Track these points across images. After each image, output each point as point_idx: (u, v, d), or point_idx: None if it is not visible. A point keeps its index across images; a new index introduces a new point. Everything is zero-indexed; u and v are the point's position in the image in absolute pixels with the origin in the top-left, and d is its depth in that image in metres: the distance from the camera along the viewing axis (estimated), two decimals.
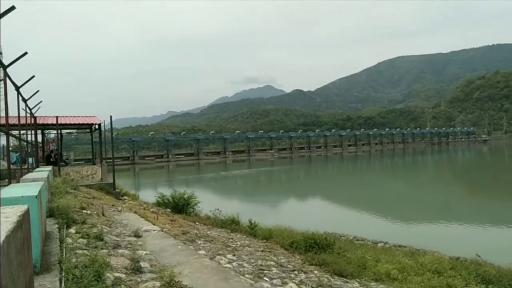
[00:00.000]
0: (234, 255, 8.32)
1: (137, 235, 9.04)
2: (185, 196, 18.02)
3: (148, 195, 26.32)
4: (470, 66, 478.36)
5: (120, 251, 7.13)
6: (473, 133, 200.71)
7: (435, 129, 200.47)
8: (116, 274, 5.45)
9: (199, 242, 9.33)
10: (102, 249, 6.64)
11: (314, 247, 10.05)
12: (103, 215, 11.38)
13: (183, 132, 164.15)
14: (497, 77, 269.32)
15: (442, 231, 21.34)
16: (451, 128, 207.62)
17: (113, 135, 26.39)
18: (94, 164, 28.94)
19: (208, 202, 21.80)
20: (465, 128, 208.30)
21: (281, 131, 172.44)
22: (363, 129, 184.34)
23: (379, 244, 15.28)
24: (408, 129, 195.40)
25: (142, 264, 6.20)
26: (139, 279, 5.53)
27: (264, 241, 11.76)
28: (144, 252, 7.33)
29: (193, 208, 17.74)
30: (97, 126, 27.08)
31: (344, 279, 7.78)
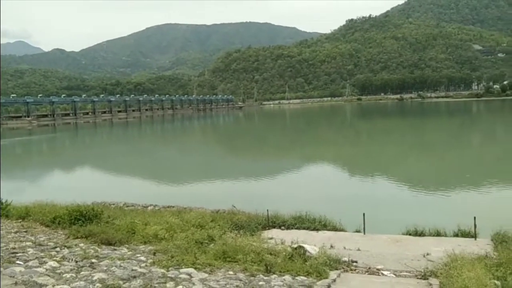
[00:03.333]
0: None
1: None
2: None
3: None
4: (229, 39, 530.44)
5: None
6: (232, 100, 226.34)
7: (201, 96, 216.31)
8: None
9: None
10: None
11: (80, 219, 9.48)
12: None
13: None
14: (249, 52, 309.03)
15: (206, 188, 23.64)
16: (214, 96, 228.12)
17: None
18: None
19: None
20: (225, 96, 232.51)
21: (40, 95, 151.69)
22: (133, 95, 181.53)
23: (149, 208, 15.69)
24: (177, 95, 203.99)
25: None
26: None
27: (20, 220, 10.36)
28: None
29: None
30: None
31: (113, 247, 7.70)
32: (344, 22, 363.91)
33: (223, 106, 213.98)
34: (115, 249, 7.48)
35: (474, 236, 10.74)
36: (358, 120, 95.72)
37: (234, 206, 13.76)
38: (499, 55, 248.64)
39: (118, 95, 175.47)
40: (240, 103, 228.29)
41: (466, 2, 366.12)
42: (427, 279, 7.39)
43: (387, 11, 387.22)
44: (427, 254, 9.22)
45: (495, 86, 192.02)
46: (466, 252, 8.31)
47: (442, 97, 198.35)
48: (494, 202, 17.40)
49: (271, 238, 10.10)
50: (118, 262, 6.32)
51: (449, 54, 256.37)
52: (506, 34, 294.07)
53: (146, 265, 6.38)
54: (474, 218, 10.66)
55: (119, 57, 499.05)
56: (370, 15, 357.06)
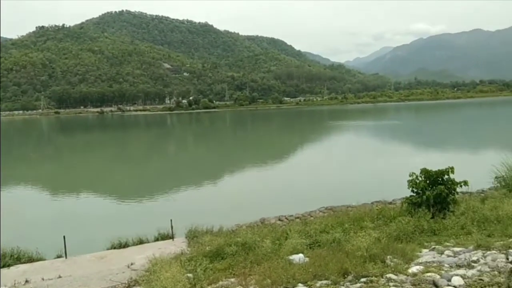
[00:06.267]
0: None
1: None
2: None
3: None
4: None
5: None
6: None
7: None
8: None
9: None
10: None
11: None
12: None
13: None
14: None
15: None
16: None
17: None
18: None
19: None
20: None
21: None
22: None
23: None
24: None
25: None
26: None
27: None
28: None
29: None
30: None
31: None
32: (34, 29, 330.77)
33: None
34: None
35: (172, 237, 11.91)
36: (58, 135, 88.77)
37: None
38: (185, 74, 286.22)
39: None
40: None
41: (155, 24, 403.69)
42: None
43: (82, 23, 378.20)
44: (131, 264, 9.52)
45: (183, 101, 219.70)
46: (165, 253, 9.10)
47: (141, 110, 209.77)
48: (186, 203, 19.86)
49: None
50: None
51: (144, 70, 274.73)
52: (188, 56, 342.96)
53: None
54: (171, 220, 11.82)
55: None
56: (64, 24, 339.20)
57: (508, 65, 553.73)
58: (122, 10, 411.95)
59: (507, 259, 6.11)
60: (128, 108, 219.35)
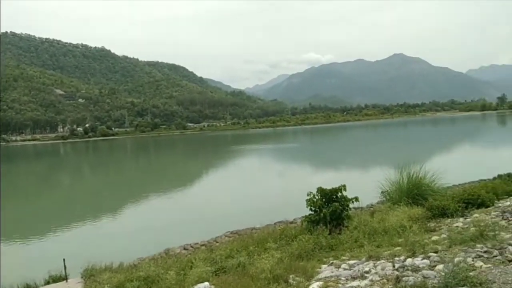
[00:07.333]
0: None
1: None
2: None
3: None
4: None
5: None
6: None
7: None
8: None
9: None
10: None
11: None
12: None
13: None
14: None
15: None
16: None
17: None
18: None
19: None
20: None
21: None
22: None
23: None
24: None
25: None
26: None
27: None
28: None
29: None
30: None
31: None
32: None
33: None
34: None
35: (66, 278, 10.83)
36: None
37: None
38: (80, 100, 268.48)
39: None
40: None
41: (45, 47, 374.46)
42: None
43: None
44: None
45: (78, 129, 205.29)
46: None
47: (29, 140, 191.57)
48: (82, 241, 18.31)
49: None
50: None
51: (33, 97, 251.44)
52: (84, 82, 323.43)
53: None
54: (64, 260, 10.76)
55: None
56: None
57: (386, 92, 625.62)
58: (6, 32, 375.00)
59: (394, 266, 6.71)
60: (14, 138, 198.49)
